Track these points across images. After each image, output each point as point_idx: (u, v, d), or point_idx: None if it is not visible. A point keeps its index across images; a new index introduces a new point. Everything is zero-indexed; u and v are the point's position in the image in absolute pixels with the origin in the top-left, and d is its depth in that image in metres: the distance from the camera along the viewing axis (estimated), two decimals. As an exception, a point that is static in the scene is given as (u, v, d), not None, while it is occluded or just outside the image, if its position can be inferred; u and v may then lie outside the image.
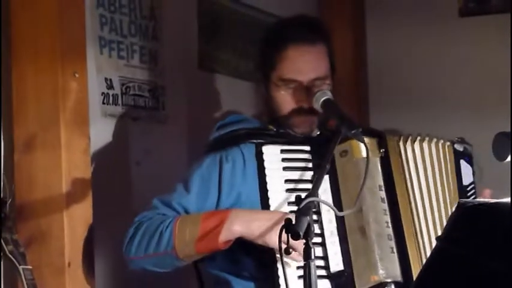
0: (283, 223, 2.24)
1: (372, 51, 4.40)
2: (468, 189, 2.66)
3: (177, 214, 2.51)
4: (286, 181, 2.50)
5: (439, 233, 2.53)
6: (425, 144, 2.63)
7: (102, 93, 2.90)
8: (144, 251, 2.48)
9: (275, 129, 2.65)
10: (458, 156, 2.67)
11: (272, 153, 2.53)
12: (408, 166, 2.58)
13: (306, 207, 2.09)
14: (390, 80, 4.35)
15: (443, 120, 4.06)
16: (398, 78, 4.33)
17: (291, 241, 2.10)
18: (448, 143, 2.67)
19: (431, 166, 2.62)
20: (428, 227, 2.55)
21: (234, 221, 2.39)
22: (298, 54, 2.61)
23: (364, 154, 2.47)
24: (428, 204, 2.57)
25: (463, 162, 2.67)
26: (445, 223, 2.53)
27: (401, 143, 2.60)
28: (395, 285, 2.42)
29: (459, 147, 2.68)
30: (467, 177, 2.67)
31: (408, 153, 2.59)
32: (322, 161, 2.31)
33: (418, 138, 2.63)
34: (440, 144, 2.65)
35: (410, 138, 2.61)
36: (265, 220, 2.38)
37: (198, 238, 2.40)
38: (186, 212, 2.53)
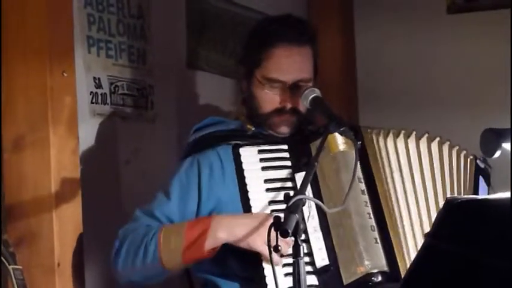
0: (264, 224, 2.28)
1: (361, 50, 4.40)
2: None
3: (160, 224, 2.50)
4: (266, 181, 2.51)
5: (423, 223, 2.55)
6: (422, 144, 2.63)
7: (91, 92, 2.90)
8: (131, 264, 2.47)
9: (253, 129, 2.64)
10: (478, 172, 2.68)
11: (250, 155, 2.53)
12: (388, 159, 2.59)
13: (294, 205, 2.09)
14: (379, 79, 4.35)
15: (433, 118, 4.06)
16: (387, 77, 4.33)
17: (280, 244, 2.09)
18: (471, 157, 2.69)
19: (429, 165, 2.62)
20: (411, 218, 2.55)
21: (218, 229, 2.39)
22: (285, 54, 2.60)
23: (341, 148, 2.52)
24: (414, 199, 2.57)
25: (481, 179, 2.69)
26: (426, 219, 2.55)
27: (388, 138, 2.60)
28: (381, 276, 2.42)
29: (481, 164, 2.70)
30: (482, 193, 2.68)
31: (391, 147, 2.60)
32: (311, 159, 2.31)
33: (426, 135, 2.64)
34: (462, 155, 2.66)
35: (413, 134, 2.63)
36: (248, 224, 2.39)
37: (184, 249, 2.40)
38: (169, 220, 2.52)
